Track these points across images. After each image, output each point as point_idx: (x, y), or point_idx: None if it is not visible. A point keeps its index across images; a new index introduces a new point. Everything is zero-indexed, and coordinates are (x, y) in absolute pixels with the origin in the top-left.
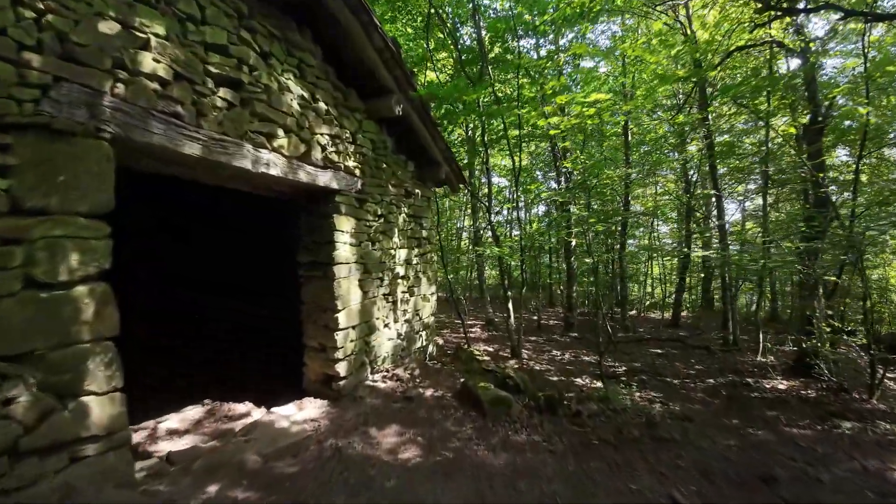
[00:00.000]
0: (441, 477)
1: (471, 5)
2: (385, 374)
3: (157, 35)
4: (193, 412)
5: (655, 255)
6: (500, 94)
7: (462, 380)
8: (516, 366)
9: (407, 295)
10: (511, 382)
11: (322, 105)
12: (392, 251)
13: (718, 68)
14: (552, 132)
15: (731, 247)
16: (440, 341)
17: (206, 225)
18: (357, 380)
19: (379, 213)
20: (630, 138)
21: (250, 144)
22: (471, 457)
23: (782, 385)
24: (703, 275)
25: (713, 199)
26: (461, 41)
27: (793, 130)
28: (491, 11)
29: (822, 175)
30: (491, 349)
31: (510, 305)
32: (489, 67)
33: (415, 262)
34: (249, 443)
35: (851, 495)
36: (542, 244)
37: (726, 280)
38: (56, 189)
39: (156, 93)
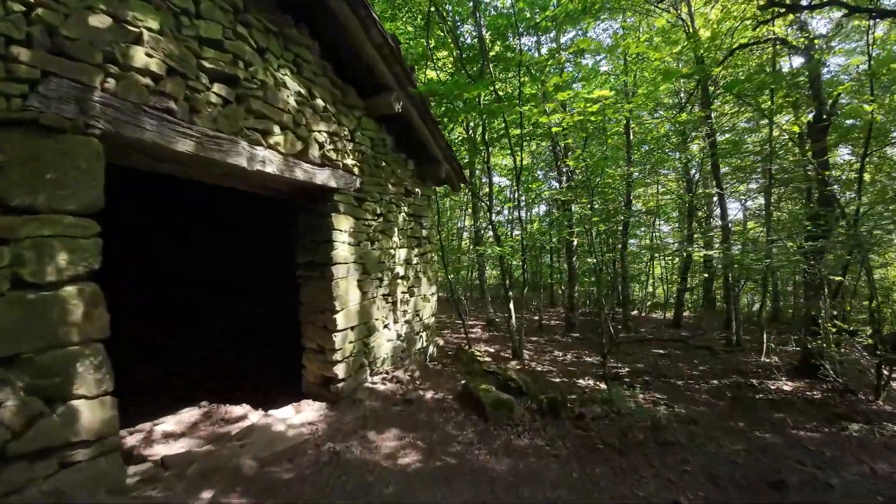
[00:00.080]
0: (441, 483)
1: (471, 3)
2: (384, 375)
3: (149, 29)
4: (190, 414)
5: (657, 254)
6: (500, 93)
7: (463, 382)
8: (518, 367)
9: (407, 295)
10: (513, 384)
11: (320, 102)
12: (392, 251)
13: (721, 65)
14: (555, 129)
15: (734, 246)
16: (441, 342)
17: (202, 223)
18: (356, 382)
19: (378, 212)
20: (632, 137)
21: (245, 141)
22: (472, 462)
23: (787, 386)
24: (705, 275)
25: (715, 198)
26: (462, 39)
27: (796, 129)
28: (492, 9)
29: (827, 173)
30: (492, 350)
31: (511, 305)
32: (490, 65)
33: (415, 261)
34: (245, 447)
35: (862, 500)
36: (543, 244)
37: (729, 280)
38: (44, 187)
39: (148, 88)
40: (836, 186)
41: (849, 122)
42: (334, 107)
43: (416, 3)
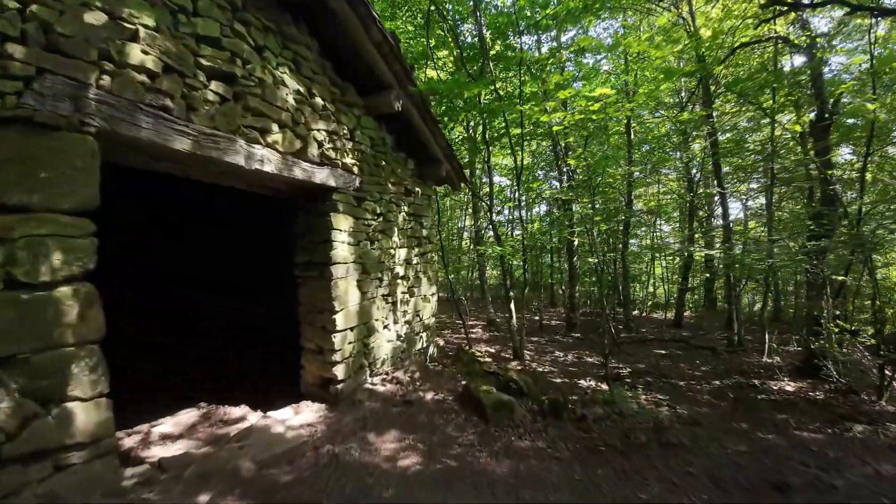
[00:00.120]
0: (442, 485)
1: (471, 2)
2: (384, 376)
3: (146, 26)
4: (188, 416)
5: (658, 254)
6: (501, 92)
7: (463, 383)
8: (519, 367)
9: (407, 295)
10: (514, 385)
11: (318, 100)
12: (391, 251)
13: (723, 64)
14: (555, 128)
15: (735, 246)
16: (441, 342)
17: (201, 222)
18: (355, 383)
19: (378, 211)
20: (633, 137)
21: (243, 140)
22: (473, 464)
23: (790, 387)
24: (706, 275)
25: (716, 198)
26: (462, 38)
27: (798, 128)
28: (492, 7)
29: (829, 172)
30: (492, 350)
31: (512, 305)
32: (490, 64)
33: (415, 261)
34: (244, 449)
35: (866, 502)
36: (543, 244)
37: (731, 280)
38: (39, 185)
39: (144, 85)
40: (837, 186)
41: (850, 121)
42: (333, 105)
43: (415, 1)
